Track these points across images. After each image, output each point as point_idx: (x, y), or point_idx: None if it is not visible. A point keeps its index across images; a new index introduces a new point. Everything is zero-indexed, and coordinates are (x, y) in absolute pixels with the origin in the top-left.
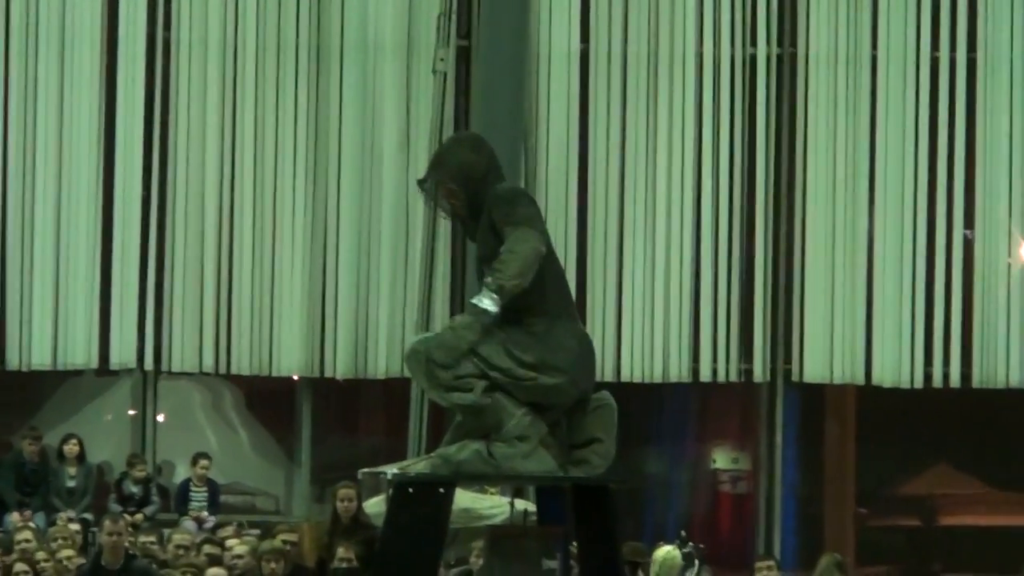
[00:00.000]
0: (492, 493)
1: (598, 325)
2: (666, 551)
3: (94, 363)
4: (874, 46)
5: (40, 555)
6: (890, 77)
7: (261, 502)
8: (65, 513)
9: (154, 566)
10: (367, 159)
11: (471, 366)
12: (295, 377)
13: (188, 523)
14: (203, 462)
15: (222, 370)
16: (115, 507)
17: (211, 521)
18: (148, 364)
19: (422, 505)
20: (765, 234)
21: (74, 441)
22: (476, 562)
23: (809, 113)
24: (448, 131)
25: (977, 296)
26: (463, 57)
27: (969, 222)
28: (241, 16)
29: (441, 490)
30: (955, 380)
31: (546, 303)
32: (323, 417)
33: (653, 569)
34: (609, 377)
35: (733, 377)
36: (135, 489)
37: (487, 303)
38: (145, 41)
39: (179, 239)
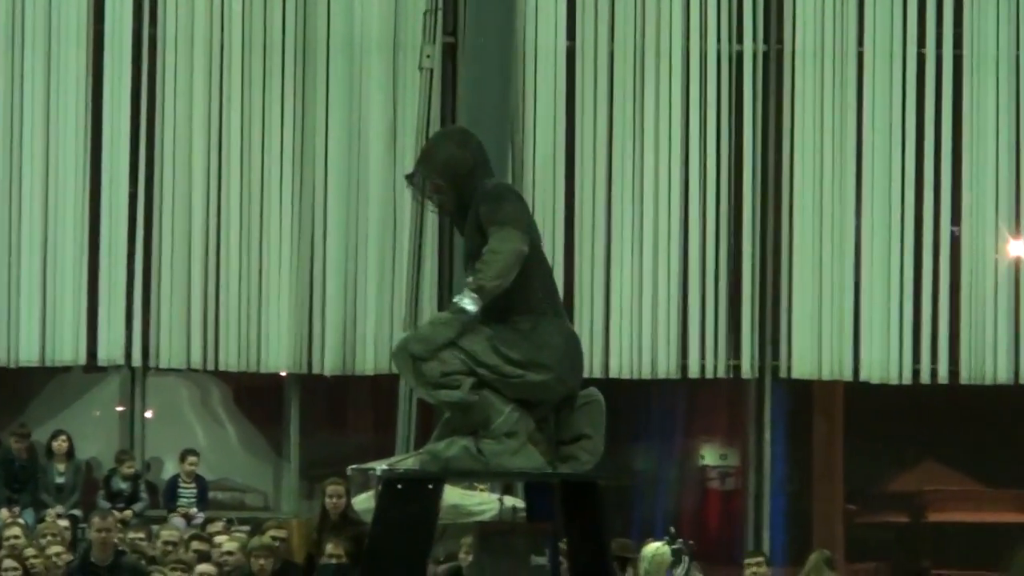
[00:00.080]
0: (481, 490)
1: (586, 321)
2: (655, 547)
3: (82, 360)
4: (860, 42)
5: (29, 552)
6: (876, 74)
7: (250, 498)
8: (54, 509)
9: (143, 562)
10: (354, 156)
11: (459, 363)
12: (283, 373)
13: (176, 519)
14: (191, 458)
15: (210, 366)
16: (104, 503)
17: (200, 517)
18: (136, 360)
19: (411, 501)
20: (752, 230)
21: (63, 437)
22: (465, 558)
23: (796, 110)
24: (435, 128)
25: (964, 292)
26: (449, 54)
27: (956, 218)
28: (227, 13)
29: (430, 486)
30: (943, 376)
31: (533, 301)
32: (311, 413)
33: (642, 565)
34: (597, 373)
35: (721, 373)
36: (124, 485)
37: (467, 303)
38: (131, 38)
39: (166, 235)
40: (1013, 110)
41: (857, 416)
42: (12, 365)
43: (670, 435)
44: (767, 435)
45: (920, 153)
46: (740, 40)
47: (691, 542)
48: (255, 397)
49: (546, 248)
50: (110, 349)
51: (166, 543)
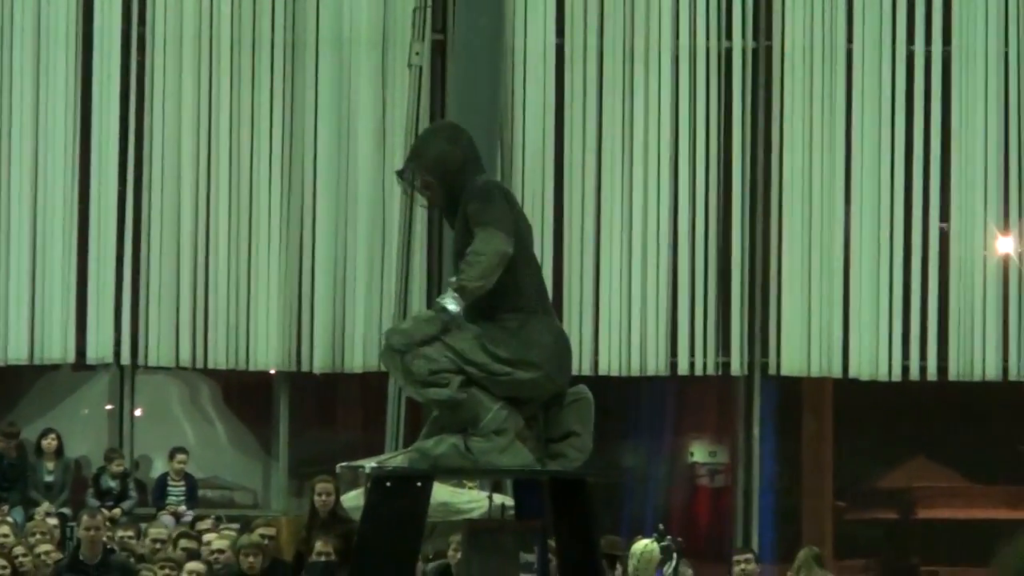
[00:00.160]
0: (470, 487)
1: (575, 319)
2: (644, 544)
3: (71, 358)
4: (849, 40)
5: (18, 550)
6: (865, 71)
7: (239, 496)
8: (43, 508)
9: (132, 560)
10: (343, 153)
11: (447, 361)
12: (272, 371)
13: (165, 517)
14: (180, 456)
15: (199, 364)
16: (93, 502)
17: (189, 516)
18: (125, 359)
19: (400, 499)
20: (742, 227)
21: (52, 436)
22: (454, 556)
23: (785, 107)
24: (424, 125)
25: (953, 289)
26: (438, 51)
27: (945, 215)
28: (215, 11)
29: (419, 484)
30: (932, 373)
31: (521, 299)
32: (300, 411)
33: (631, 563)
34: (587, 371)
35: (711, 370)
36: (113, 484)
37: (449, 302)
38: (120, 37)
39: (155, 234)
40: (1001, 107)
41: (846, 413)
42: (1, 363)
43: (659, 432)
44: (756, 432)
45: (909, 150)
46: (729, 37)
47: (680, 539)
48: (244, 395)
49: (535, 245)
50: (99, 347)
51: (154, 541)
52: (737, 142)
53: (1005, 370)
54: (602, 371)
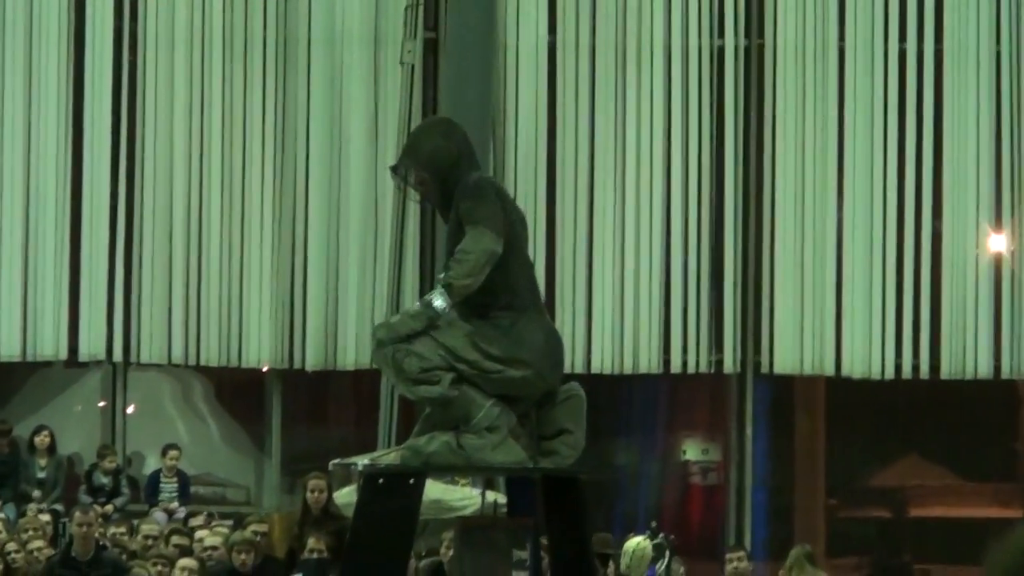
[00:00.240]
0: (462, 485)
1: (568, 316)
2: (636, 542)
3: (63, 355)
4: (841, 37)
5: (11, 546)
6: (857, 69)
7: (231, 493)
8: (35, 504)
9: (124, 557)
10: (335, 151)
11: (438, 359)
12: (264, 368)
13: (158, 514)
14: (173, 453)
15: (191, 361)
16: (85, 498)
17: (181, 512)
18: (117, 355)
19: (392, 496)
20: (734, 225)
21: (45, 433)
22: (446, 553)
23: (777, 105)
24: (416, 123)
25: (946, 287)
26: (431, 49)
27: (937, 213)
28: (208, 8)
29: (411, 481)
30: (924, 371)
31: (512, 296)
32: (293, 408)
33: (624, 560)
34: (580, 368)
35: (703, 368)
36: (105, 480)
37: (437, 299)
38: (112, 34)
39: (147, 230)
40: (993, 105)
41: (839, 411)
42: None
43: (652, 430)
44: (749, 430)
45: (901, 148)
46: (721, 35)
47: (672, 537)
48: (237, 392)
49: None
50: (92, 344)
51: (147, 538)
52: (729, 140)
53: (997, 368)
54: (595, 368)
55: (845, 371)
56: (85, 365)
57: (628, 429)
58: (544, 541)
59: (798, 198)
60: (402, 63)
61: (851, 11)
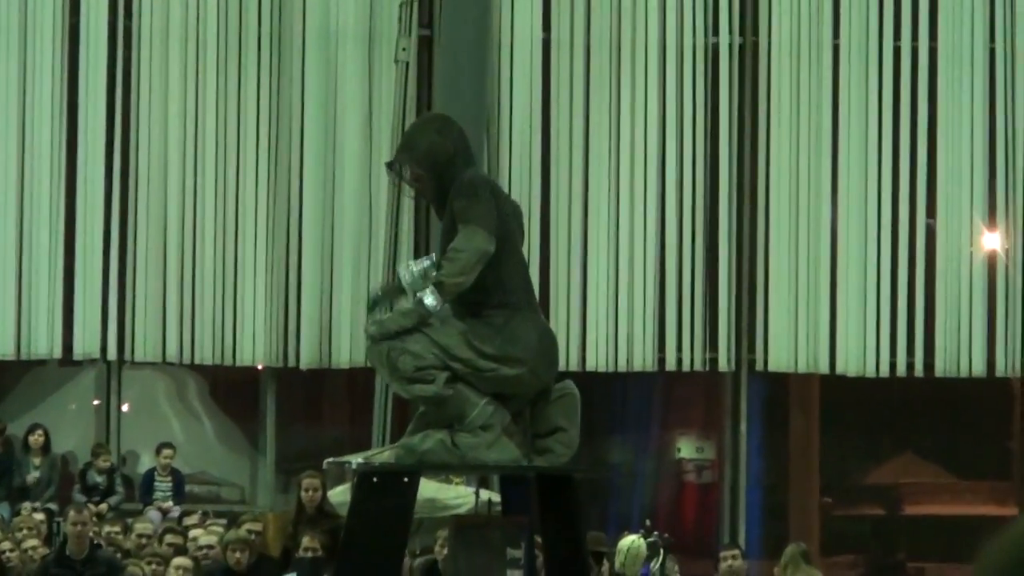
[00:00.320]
0: (457, 483)
1: (562, 314)
2: (631, 541)
3: (58, 353)
4: (836, 35)
5: (5, 545)
6: (852, 67)
7: (226, 492)
8: (30, 503)
9: (118, 556)
10: (329, 149)
11: (432, 357)
12: (259, 367)
13: (152, 513)
14: (167, 452)
15: (186, 360)
16: (80, 497)
17: (176, 511)
18: (112, 354)
19: (387, 495)
20: (729, 223)
21: (40, 432)
22: (440, 552)
23: (772, 103)
24: (411, 120)
25: (940, 285)
26: (425, 46)
27: (931, 211)
28: (203, 5)
29: (405, 480)
30: (919, 369)
31: (506, 295)
32: (287, 407)
33: (618, 559)
34: (574, 366)
35: (698, 366)
36: (99, 479)
37: (429, 298)
38: (107, 30)
39: (142, 228)
40: (988, 103)
41: (833, 409)
42: None
43: (646, 428)
44: (743, 428)
45: (896, 146)
46: (716, 32)
47: (667, 535)
48: (231, 390)
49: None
50: (86, 342)
51: (141, 536)
52: (724, 138)
53: (992, 366)
54: (589, 366)
55: (840, 369)
56: (79, 363)
57: (622, 427)
58: (538, 539)
59: (792, 196)
60: (397, 60)
61: (846, 9)
